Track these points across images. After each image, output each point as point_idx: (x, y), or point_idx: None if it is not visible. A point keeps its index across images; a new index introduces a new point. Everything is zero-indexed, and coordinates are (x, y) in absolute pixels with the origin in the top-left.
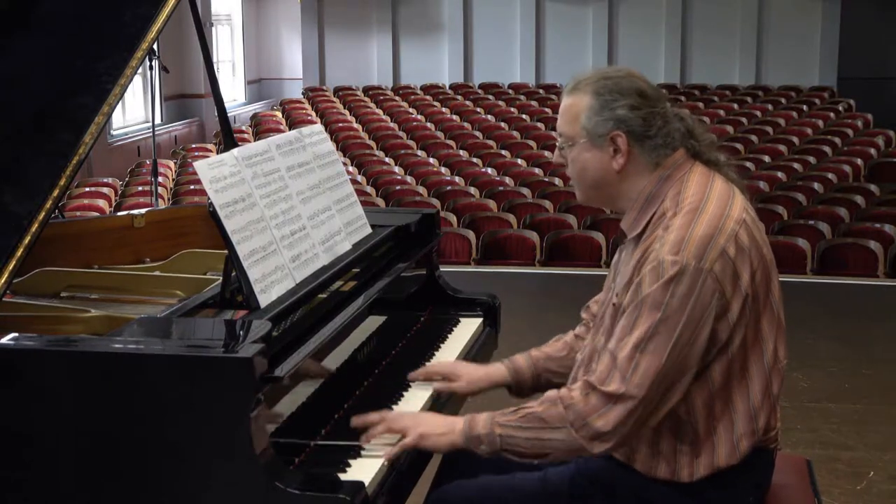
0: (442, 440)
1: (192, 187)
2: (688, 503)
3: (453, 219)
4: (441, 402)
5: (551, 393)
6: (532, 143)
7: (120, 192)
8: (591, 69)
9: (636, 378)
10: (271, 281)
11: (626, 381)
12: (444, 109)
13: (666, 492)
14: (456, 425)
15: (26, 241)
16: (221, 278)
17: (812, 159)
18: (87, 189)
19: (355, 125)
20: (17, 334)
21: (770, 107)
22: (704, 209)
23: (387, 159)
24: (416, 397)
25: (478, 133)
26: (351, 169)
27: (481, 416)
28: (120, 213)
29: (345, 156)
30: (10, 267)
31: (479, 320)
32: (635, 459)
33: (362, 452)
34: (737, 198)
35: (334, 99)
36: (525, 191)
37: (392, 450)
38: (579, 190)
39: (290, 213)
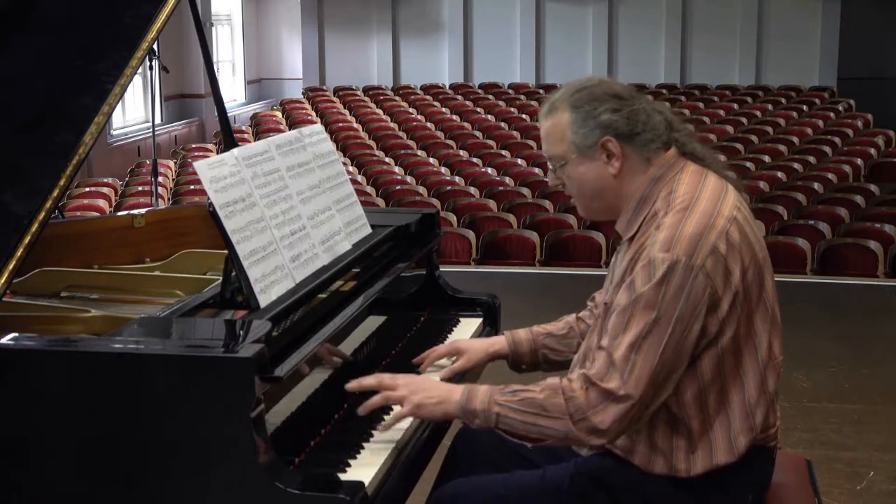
0: (437, 409)
1: (192, 187)
2: (687, 500)
3: (453, 219)
4: None
5: (553, 381)
6: (532, 143)
7: (120, 192)
8: (560, 89)
9: (633, 378)
10: (271, 281)
11: (625, 382)
12: (444, 109)
13: (665, 488)
14: (453, 395)
15: (26, 241)
16: (221, 278)
17: (812, 159)
18: (87, 189)
19: (355, 125)
20: (17, 334)
21: (770, 107)
22: (695, 207)
23: (387, 159)
24: None
25: (478, 133)
26: (351, 169)
27: (480, 390)
28: (120, 213)
29: (345, 156)
30: (10, 267)
31: (479, 320)
32: (634, 454)
33: (362, 451)
34: (729, 195)
35: (334, 99)
36: (525, 191)
37: (387, 422)
38: (581, 205)
39: (290, 213)
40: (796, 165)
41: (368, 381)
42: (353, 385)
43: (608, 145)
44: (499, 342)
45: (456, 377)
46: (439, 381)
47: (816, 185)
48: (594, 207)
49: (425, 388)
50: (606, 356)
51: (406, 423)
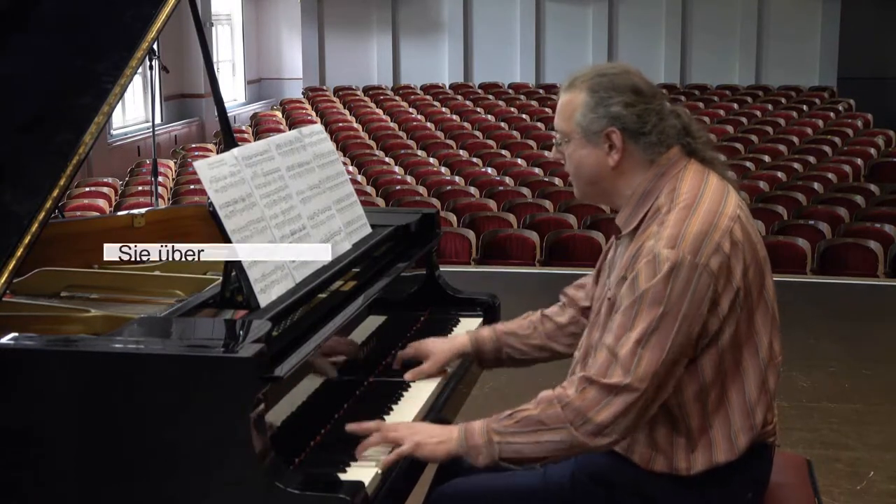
0: (439, 449)
1: (192, 187)
2: (687, 497)
3: (453, 219)
4: (439, 405)
5: (546, 394)
6: (532, 143)
7: (120, 192)
8: (588, 66)
9: (640, 371)
10: (271, 281)
11: (630, 374)
12: (444, 109)
13: (665, 485)
14: (452, 434)
15: (26, 240)
16: (221, 278)
17: (812, 159)
18: (87, 189)
19: (355, 125)
20: (17, 334)
21: (770, 107)
22: (699, 205)
23: (387, 159)
24: (415, 397)
25: (478, 133)
26: (351, 169)
27: (476, 425)
28: (120, 213)
29: (345, 156)
30: (10, 267)
31: (479, 320)
32: (634, 453)
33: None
34: (731, 195)
35: (334, 99)
36: (525, 191)
37: (388, 458)
38: (576, 186)
39: (290, 213)
40: (796, 165)
41: (368, 424)
42: (352, 427)
43: (612, 137)
44: (461, 341)
45: (456, 374)
46: (435, 407)
47: (816, 185)
48: (587, 191)
49: (425, 430)
50: (608, 354)
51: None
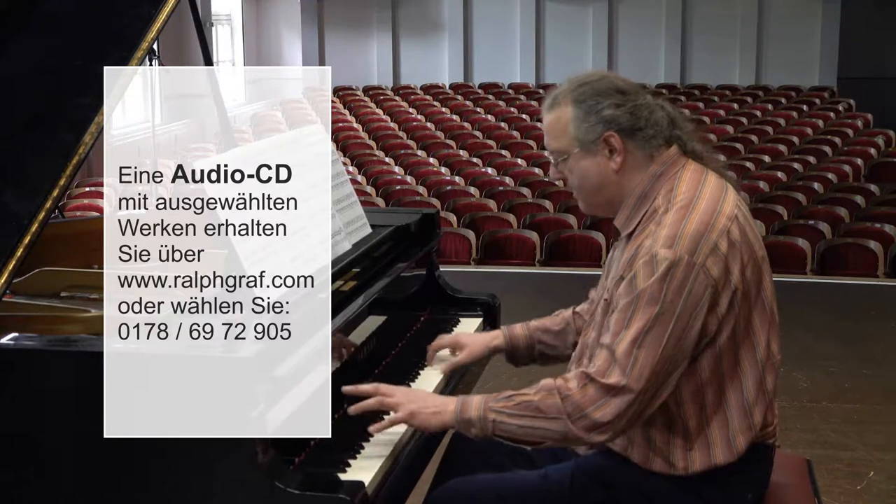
0: (433, 419)
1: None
2: (686, 498)
3: (453, 219)
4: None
5: (547, 382)
6: (532, 143)
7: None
8: (563, 83)
9: (636, 371)
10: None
11: (627, 375)
12: (444, 109)
13: (664, 485)
14: (448, 405)
15: (26, 241)
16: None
17: (812, 159)
18: (87, 189)
19: (355, 125)
20: (17, 334)
21: (770, 107)
22: (696, 205)
23: (387, 159)
24: None
25: (478, 133)
26: (351, 169)
27: (473, 400)
28: None
29: (345, 156)
30: (10, 267)
31: (479, 320)
32: (632, 453)
33: (362, 451)
34: (729, 194)
35: (334, 99)
36: (525, 191)
37: (381, 424)
38: (582, 199)
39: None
40: (796, 165)
41: (365, 387)
42: (349, 389)
43: (610, 140)
44: (496, 338)
45: (458, 371)
46: (440, 374)
47: (816, 185)
48: (595, 202)
49: (422, 398)
50: (608, 353)
51: (403, 426)
